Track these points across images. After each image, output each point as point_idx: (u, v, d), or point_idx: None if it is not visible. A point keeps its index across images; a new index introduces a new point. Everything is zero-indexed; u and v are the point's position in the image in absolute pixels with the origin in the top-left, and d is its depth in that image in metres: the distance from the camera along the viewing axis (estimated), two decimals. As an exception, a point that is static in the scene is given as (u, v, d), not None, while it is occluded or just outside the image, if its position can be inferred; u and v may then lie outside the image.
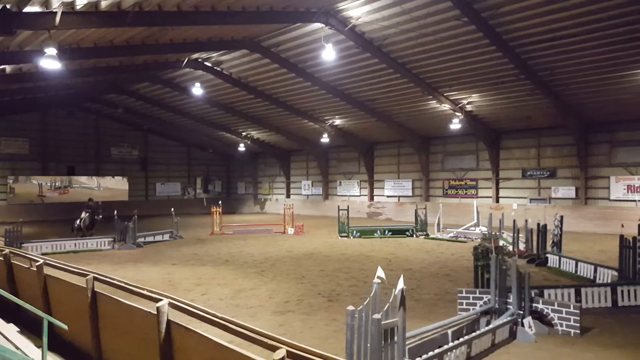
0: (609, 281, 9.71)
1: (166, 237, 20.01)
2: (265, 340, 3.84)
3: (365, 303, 4.73)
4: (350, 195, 35.27)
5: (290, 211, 23.15)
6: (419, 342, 5.59)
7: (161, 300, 4.75)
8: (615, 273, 10.03)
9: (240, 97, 27.62)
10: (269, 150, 39.05)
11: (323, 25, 17.18)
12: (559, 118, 22.76)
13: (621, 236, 10.01)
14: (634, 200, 22.70)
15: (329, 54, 17.44)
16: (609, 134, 23.78)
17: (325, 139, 30.65)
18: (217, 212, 22.52)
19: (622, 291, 8.64)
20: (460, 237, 19.70)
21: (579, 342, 6.51)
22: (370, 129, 29.92)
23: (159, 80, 26.30)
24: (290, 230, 21.88)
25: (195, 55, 22.43)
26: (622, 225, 12.52)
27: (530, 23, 15.86)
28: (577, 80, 19.45)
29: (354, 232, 20.52)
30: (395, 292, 4.76)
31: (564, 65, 18.34)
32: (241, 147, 37.42)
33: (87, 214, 18.91)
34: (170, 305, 4.75)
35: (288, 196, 39.68)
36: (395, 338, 4.71)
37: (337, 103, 25.95)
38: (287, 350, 3.51)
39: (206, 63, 23.32)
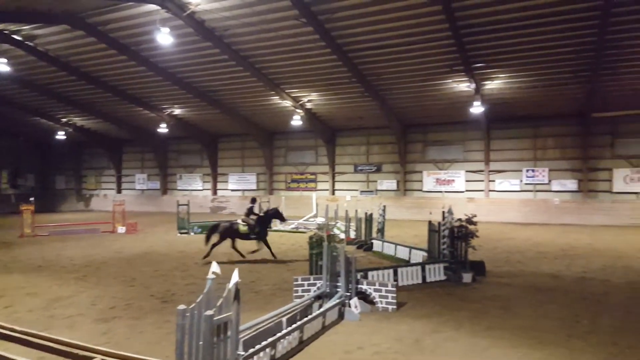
0: (420, 261, 11.18)
1: (-43, 242, 16.44)
2: (77, 351, 3.40)
3: (197, 300, 4.55)
4: (192, 190, 33.98)
5: (121, 208, 21.19)
6: (254, 333, 5.61)
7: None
8: (425, 253, 11.62)
9: (60, 79, 24.21)
10: (96, 140, 35.14)
11: (159, 7, 16.05)
12: (384, 119, 25.43)
13: (429, 222, 11.63)
14: (441, 192, 26.73)
15: (165, 39, 16.40)
16: (422, 134, 27.54)
17: (163, 129, 28.88)
18: (29, 211, 19.34)
19: (429, 269, 10.05)
20: (300, 228, 20.63)
21: (395, 316, 7.35)
22: (214, 120, 29.20)
23: (-53, 51, 21.42)
24: (121, 229, 20.03)
25: (0, 26, 18.83)
26: (430, 213, 14.54)
27: (360, 30, 17.30)
28: (398, 86, 21.98)
29: (195, 228, 19.79)
30: (230, 287, 4.69)
31: (388, 72, 20.53)
32: (61, 136, 32.85)
33: (256, 218, 13.09)
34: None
35: (119, 191, 36.39)
36: (229, 332, 4.64)
37: (176, 92, 24.64)
38: (102, 359, 3.15)
39: (15, 36, 19.74)
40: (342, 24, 16.97)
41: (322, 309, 6.79)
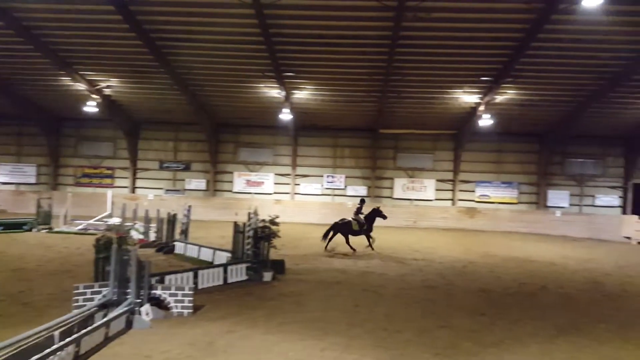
0: (224, 262, 11.07)
1: None
2: None
3: None
4: (-58, 182, 27.03)
5: None
6: (16, 351, 4.67)
7: None
8: (229, 254, 11.55)
9: None
10: None
11: None
12: (194, 115, 24.63)
13: (235, 223, 11.62)
14: (250, 193, 27.23)
15: None
16: (235, 135, 27.62)
17: None
18: None
19: (231, 270, 10.02)
20: (90, 229, 18.30)
21: (191, 321, 7.06)
22: (-21, 98, 23.78)
23: None
24: None
25: None
26: (236, 214, 14.67)
27: (169, 19, 16.40)
28: (210, 83, 21.57)
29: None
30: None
31: (200, 68, 19.96)
32: None
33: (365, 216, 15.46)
34: None
35: None
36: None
37: None
38: None
39: None
40: (149, 9, 15.78)
41: (105, 319, 6.07)
